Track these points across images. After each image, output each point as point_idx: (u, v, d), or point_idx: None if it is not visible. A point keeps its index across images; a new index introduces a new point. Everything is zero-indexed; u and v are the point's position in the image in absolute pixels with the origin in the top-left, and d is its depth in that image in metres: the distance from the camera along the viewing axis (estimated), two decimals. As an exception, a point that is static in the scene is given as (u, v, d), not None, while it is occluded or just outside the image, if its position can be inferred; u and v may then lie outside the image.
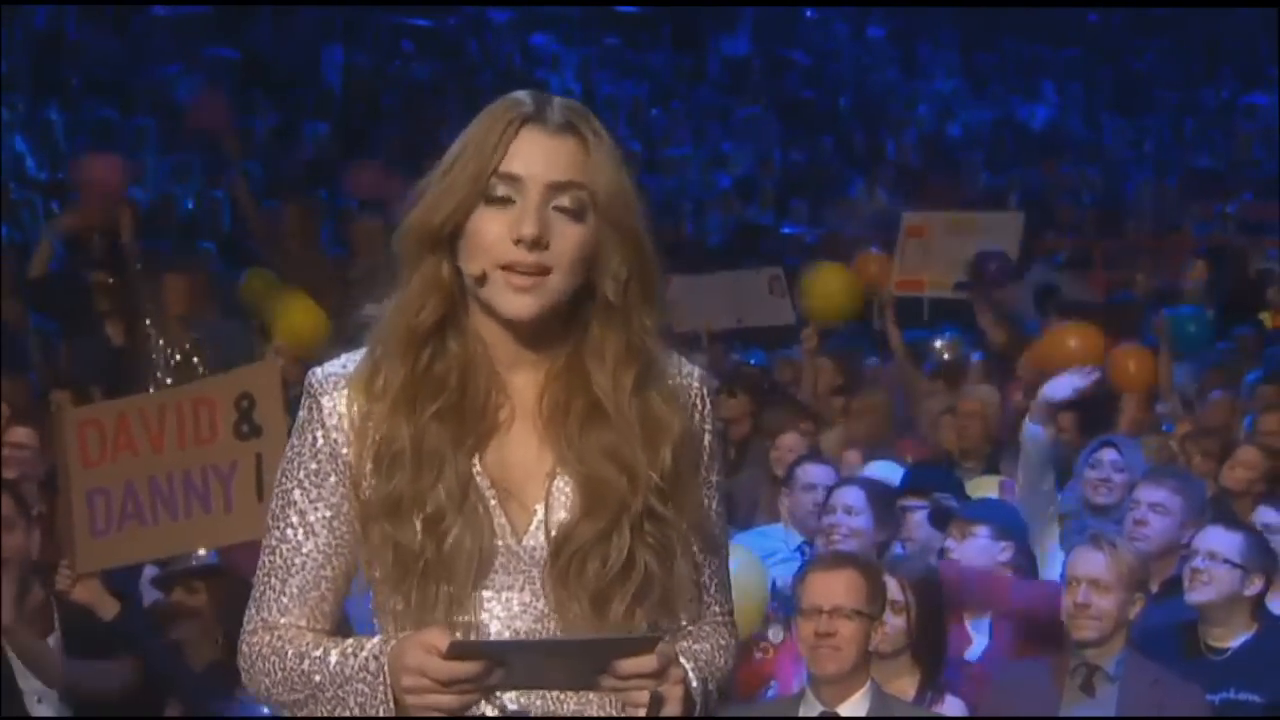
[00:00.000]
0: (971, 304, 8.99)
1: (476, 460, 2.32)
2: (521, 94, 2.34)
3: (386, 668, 2.23)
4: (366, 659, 2.26)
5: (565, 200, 2.29)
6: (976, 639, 5.52)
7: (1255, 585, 5.18)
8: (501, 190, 2.28)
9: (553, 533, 2.30)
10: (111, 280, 8.76)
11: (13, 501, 5.12)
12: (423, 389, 2.31)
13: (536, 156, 2.28)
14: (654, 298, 2.35)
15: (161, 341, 8.47)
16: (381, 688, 2.23)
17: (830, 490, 6.18)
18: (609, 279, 2.31)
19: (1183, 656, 5.16)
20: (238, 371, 5.62)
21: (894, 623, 4.89)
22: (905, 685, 4.93)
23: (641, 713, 2.21)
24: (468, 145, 2.30)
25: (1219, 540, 5.20)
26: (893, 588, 4.89)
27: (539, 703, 2.30)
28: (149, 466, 5.17)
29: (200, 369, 8.47)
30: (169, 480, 5.13)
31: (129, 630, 5.24)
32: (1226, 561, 5.15)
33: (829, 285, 9.12)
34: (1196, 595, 5.17)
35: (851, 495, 5.99)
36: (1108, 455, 6.22)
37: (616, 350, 2.32)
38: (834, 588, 4.59)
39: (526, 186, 2.28)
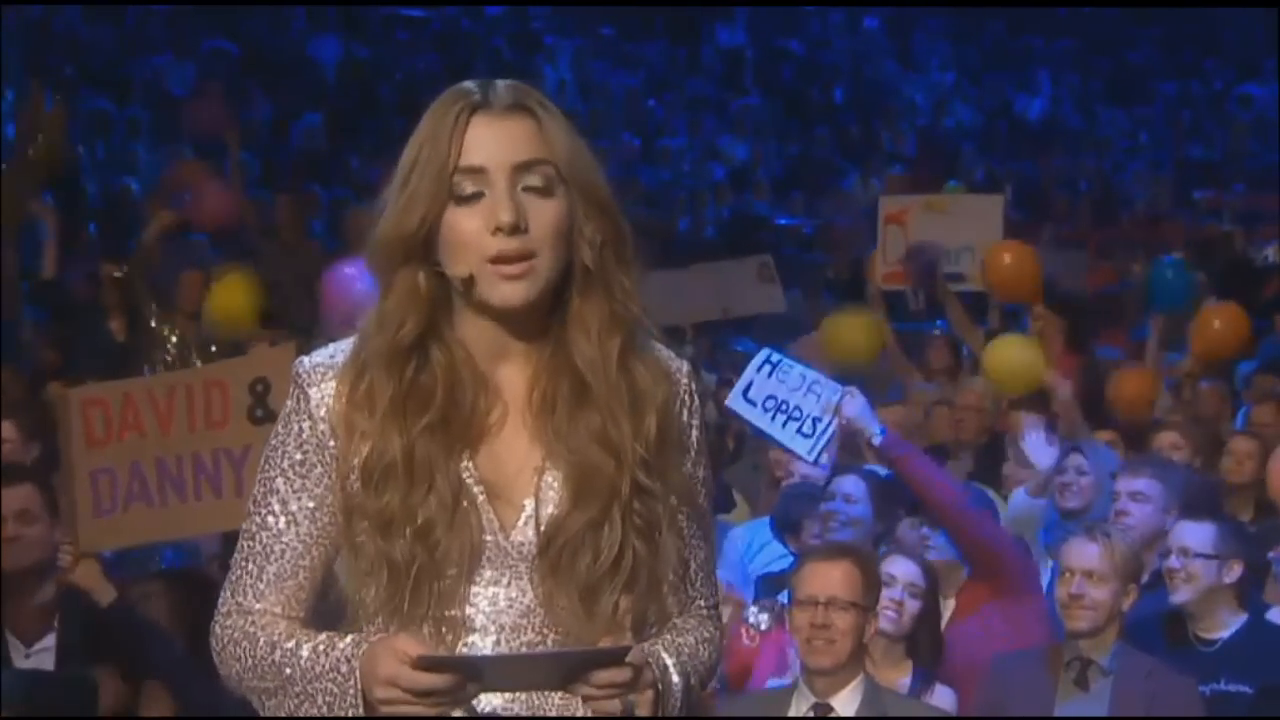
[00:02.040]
0: (965, 293, 8.94)
1: (468, 462, 2.31)
2: (464, 84, 2.32)
3: (358, 672, 2.22)
4: (338, 660, 2.24)
5: (533, 179, 2.28)
6: (944, 613, 5.53)
7: (1234, 572, 5.15)
8: (469, 187, 2.26)
9: (542, 526, 2.29)
10: (118, 274, 8.76)
11: (37, 494, 5.10)
12: (411, 402, 2.29)
13: (493, 142, 2.27)
14: (629, 259, 2.34)
15: (172, 336, 8.46)
16: (351, 691, 2.22)
17: (830, 478, 6.19)
18: (584, 246, 2.30)
19: (1171, 647, 5.14)
20: (252, 355, 5.57)
21: (910, 606, 4.91)
22: (899, 676, 4.94)
23: None
24: (422, 147, 2.28)
25: (1189, 535, 5.16)
26: (912, 572, 4.91)
27: (524, 697, 2.29)
28: (156, 447, 5.09)
29: (197, 365, 8.47)
30: (178, 462, 5.06)
31: (125, 620, 5.19)
32: (1199, 555, 5.12)
33: (846, 333, 8.98)
34: (1179, 595, 5.14)
35: (850, 484, 5.99)
36: (1073, 460, 6.21)
37: (600, 318, 2.31)
38: (831, 579, 4.58)
39: (492, 175, 2.26)
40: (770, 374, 6.02)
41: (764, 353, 6.21)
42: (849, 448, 6.46)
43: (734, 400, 6.14)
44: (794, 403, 5.93)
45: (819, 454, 5.96)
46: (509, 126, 2.28)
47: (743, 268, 9.40)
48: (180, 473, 5.06)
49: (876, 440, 5.62)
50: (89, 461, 5.10)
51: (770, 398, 6.00)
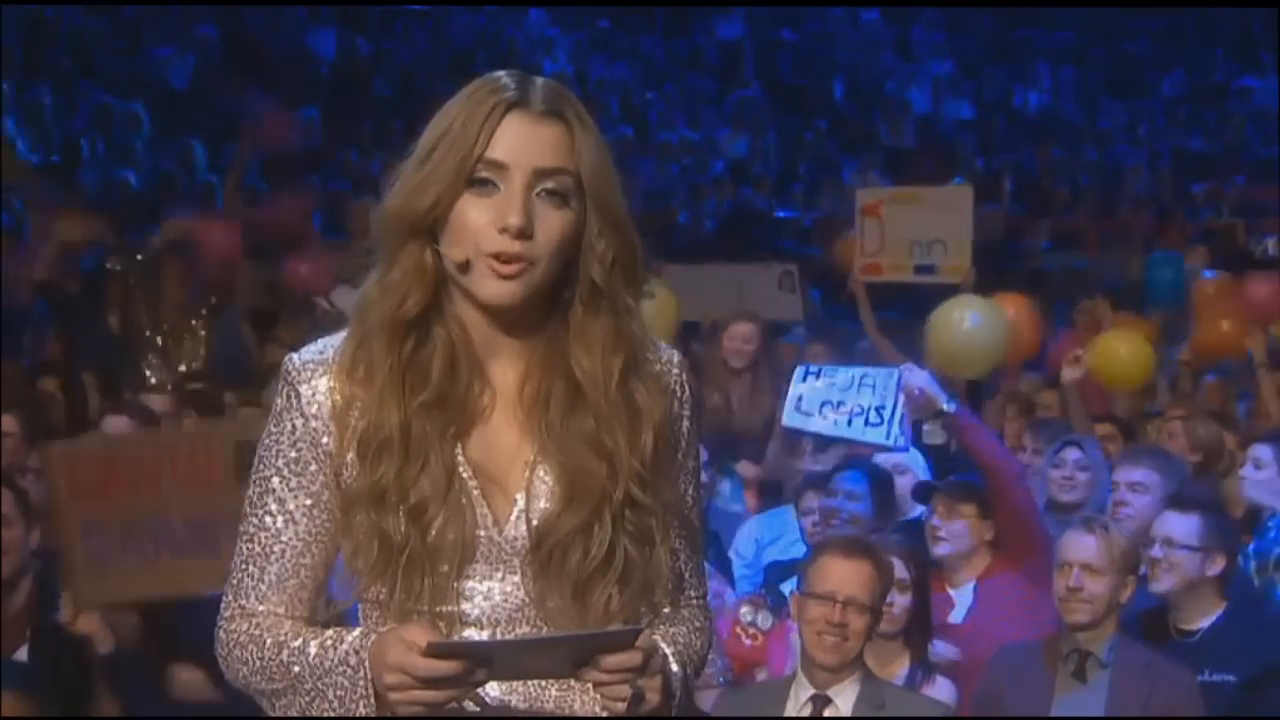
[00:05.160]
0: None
1: (460, 449, 2.30)
2: (502, 75, 2.31)
3: (367, 663, 2.21)
4: (347, 653, 2.24)
5: (550, 186, 2.26)
6: (959, 603, 5.54)
7: (1217, 564, 5.15)
8: (486, 179, 2.25)
9: (534, 522, 2.29)
10: (122, 267, 8.77)
11: (12, 496, 5.07)
12: (409, 377, 2.29)
13: (521, 143, 2.25)
14: (637, 280, 2.33)
15: (150, 330, 8.45)
16: (362, 682, 2.21)
17: (832, 473, 6.19)
18: (594, 261, 2.29)
19: (1152, 640, 5.14)
20: (236, 418, 5.50)
21: (900, 601, 4.92)
22: (896, 668, 4.95)
23: (621, 707, 2.21)
24: (450, 129, 2.26)
25: (1174, 526, 5.17)
26: (898, 568, 4.92)
27: (521, 689, 2.29)
28: (148, 505, 5.00)
29: (187, 358, 8.47)
30: (168, 521, 4.97)
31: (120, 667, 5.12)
32: (1184, 546, 5.12)
33: None
34: (1160, 585, 5.15)
35: (852, 480, 5.98)
36: (1071, 454, 6.22)
37: (604, 335, 2.30)
38: (850, 578, 4.59)
39: (511, 174, 2.25)
40: (816, 382, 6.06)
41: (800, 369, 6.29)
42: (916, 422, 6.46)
43: (789, 418, 6.18)
44: (849, 400, 5.97)
45: (896, 436, 5.99)
46: (540, 130, 2.26)
47: (766, 273, 9.39)
48: (172, 530, 4.98)
49: (949, 407, 5.65)
50: (80, 515, 5.01)
51: (825, 403, 6.05)
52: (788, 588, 5.50)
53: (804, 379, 6.15)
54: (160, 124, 12.69)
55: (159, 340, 8.55)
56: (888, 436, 5.97)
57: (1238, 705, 4.89)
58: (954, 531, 5.56)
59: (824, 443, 6.75)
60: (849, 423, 6.00)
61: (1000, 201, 12.96)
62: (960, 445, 5.68)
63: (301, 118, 12.61)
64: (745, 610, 5.54)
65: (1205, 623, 5.16)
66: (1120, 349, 7.67)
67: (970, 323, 7.39)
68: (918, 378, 5.78)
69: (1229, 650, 5.04)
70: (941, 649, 5.15)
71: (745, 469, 7.42)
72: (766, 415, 7.56)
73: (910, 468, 6.33)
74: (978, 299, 7.79)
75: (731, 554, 6.74)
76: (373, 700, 2.21)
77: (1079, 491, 6.12)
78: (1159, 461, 5.94)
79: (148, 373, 8.58)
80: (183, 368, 8.57)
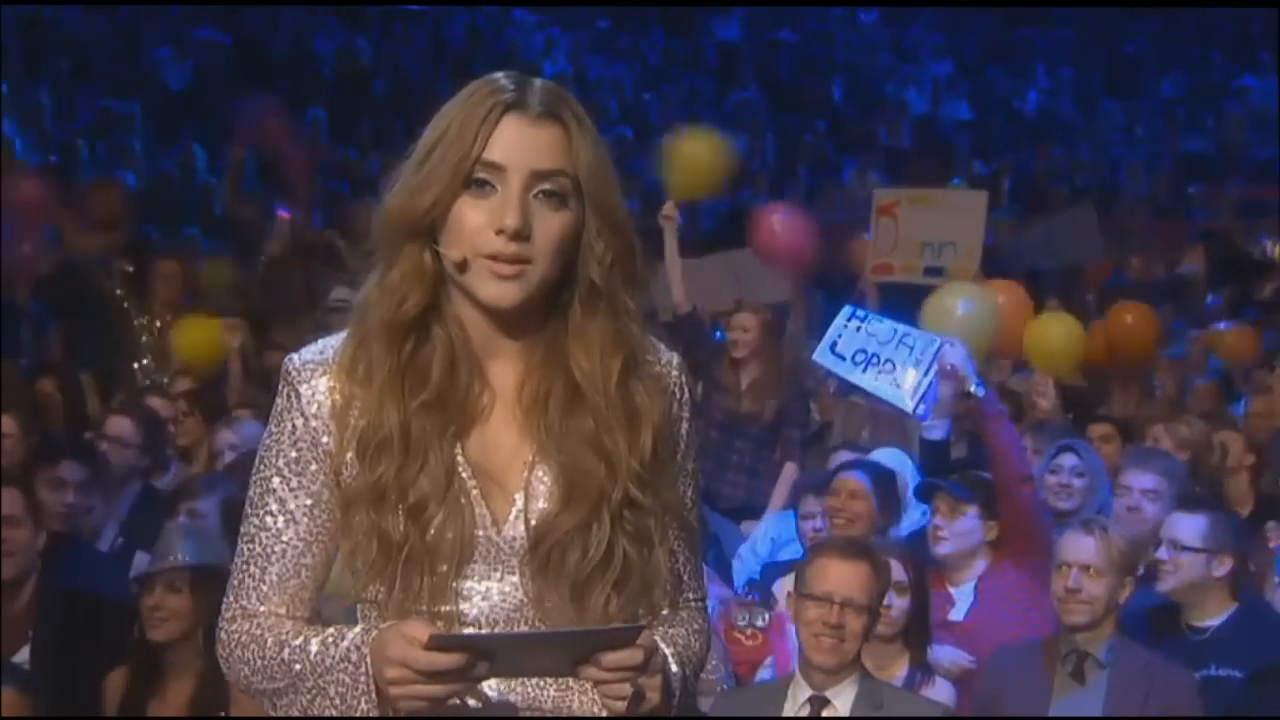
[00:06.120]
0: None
1: (459, 449, 2.31)
2: (500, 77, 2.31)
3: (368, 659, 2.21)
4: (348, 649, 2.24)
5: (548, 187, 2.26)
6: (959, 602, 5.54)
7: (1224, 566, 5.17)
8: (484, 180, 2.26)
9: (533, 522, 2.30)
10: (133, 269, 8.79)
11: (20, 498, 5.08)
12: (409, 377, 2.29)
13: (519, 145, 2.26)
14: (636, 280, 2.33)
15: (143, 331, 8.46)
16: (363, 678, 2.21)
17: (834, 472, 6.19)
18: (593, 262, 2.29)
19: (1162, 635, 5.16)
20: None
21: (898, 604, 4.92)
22: (895, 670, 4.95)
23: (621, 706, 2.21)
24: (448, 131, 2.27)
25: (1181, 528, 5.20)
26: (896, 570, 4.92)
27: (520, 688, 2.29)
28: None
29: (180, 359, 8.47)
30: None
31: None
32: (1187, 548, 5.14)
33: (693, 157, 8.67)
34: (1164, 584, 5.19)
35: (855, 480, 5.99)
36: (1067, 460, 6.22)
37: (603, 336, 2.31)
38: (849, 579, 4.60)
39: (509, 175, 2.25)
40: (859, 328, 6.05)
41: (849, 308, 6.26)
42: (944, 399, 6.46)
43: (821, 355, 6.17)
44: (885, 355, 5.97)
45: (917, 404, 5.99)
46: (538, 132, 2.27)
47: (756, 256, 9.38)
48: None
49: (979, 392, 5.65)
50: None
51: (860, 351, 6.04)
52: (781, 588, 5.51)
53: (848, 319, 6.14)
54: (159, 126, 12.68)
55: (152, 341, 8.55)
56: (908, 401, 5.98)
57: (1243, 701, 4.90)
58: (956, 531, 5.56)
59: (846, 388, 6.75)
60: (876, 377, 6.01)
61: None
62: (979, 432, 5.67)
63: (304, 119, 12.62)
64: (738, 614, 5.54)
65: (1216, 620, 5.18)
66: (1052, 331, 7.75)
67: (963, 309, 7.43)
68: (956, 354, 5.79)
69: (1237, 646, 5.07)
70: (949, 655, 5.14)
71: None
72: (773, 407, 7.62)
73: (899, 470, 6.32)
74: (970, 286, 7.81)
75: (746, 551, 6.74)
76: (374, 696, 2.21)
77: (1075, 499, 6.11)
78: (1167, 465, 5.96)
79: (139, 375, 8.60)
80: (178, 366, 8.58)
